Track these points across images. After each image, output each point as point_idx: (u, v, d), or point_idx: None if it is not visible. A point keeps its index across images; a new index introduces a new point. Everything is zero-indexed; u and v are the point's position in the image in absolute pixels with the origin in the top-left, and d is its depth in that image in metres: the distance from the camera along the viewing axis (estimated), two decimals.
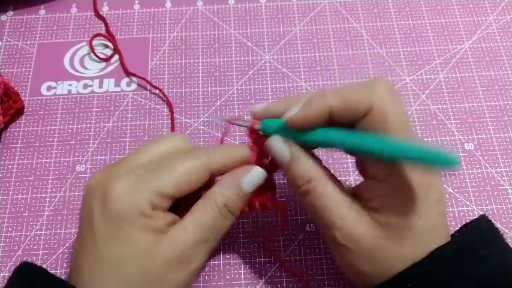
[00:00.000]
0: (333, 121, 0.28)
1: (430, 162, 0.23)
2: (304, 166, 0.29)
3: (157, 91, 0.45)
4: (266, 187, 0.32)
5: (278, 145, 0.29)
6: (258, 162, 0.31)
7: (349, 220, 0.28)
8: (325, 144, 0.29)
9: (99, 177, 0.29)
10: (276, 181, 0.34)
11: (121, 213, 0.27)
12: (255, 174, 0.30)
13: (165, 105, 0.45)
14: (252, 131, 0.32)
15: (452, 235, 0.29)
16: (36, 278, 0.29)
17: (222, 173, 0.31)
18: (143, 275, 0.27)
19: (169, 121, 0.44)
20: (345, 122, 0.28)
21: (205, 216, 0.29)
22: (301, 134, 0.29)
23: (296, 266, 0.37)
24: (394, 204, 0.27)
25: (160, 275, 0.28)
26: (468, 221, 0.32)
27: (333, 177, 0.29)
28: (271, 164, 0.32)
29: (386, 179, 0.27)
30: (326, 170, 0.30)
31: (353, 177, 0.41)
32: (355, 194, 0.29)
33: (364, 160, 0.29)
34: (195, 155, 0.30)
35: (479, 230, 0.29)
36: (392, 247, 0.27)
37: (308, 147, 0.30)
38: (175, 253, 0.28)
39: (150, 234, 0.28)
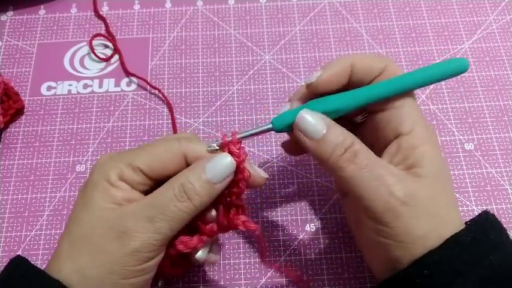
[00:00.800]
0: (350, 82, 0.31)
1: (446, 73, 0.30)
2: (343, 130, 0.29)
3: (157, 91, 0.45)
4: (232, 206, 0.31)
5: (312, 116, 0.29)
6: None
7: (400, 176, 0.28)
8: (354, 105, 0.30)
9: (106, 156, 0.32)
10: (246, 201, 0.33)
11: (93, 178, 0.30)
12: (221, 161, 0.29)
13: (165, 105, 0.45)
14: (225, 145, 0.30)
15: (465, 223, 0.29)
16: (18, 266, 0.29)
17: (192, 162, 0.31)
18: (85, 237, 0.28)
19: (169, 121, 0.44)
20: (361, 80, 0.31)
21: (159, 194, 0.29)
22: (320, 104, 0.30)
23: (296, 266, 0.37)
24: (424, 153, 0.29)
25: (98, 242, 0.28)
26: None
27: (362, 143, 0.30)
28: (238, 181, 0.30)
29: (411, 131, 0.29)
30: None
31: None
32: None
33: (387, 117, 0.30)
34: (168, 139, 0.31)
35: (489, 220, 0.29)
36: (440, 194, 0.28)
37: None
38: (115, 222, 0.28)
39: (107, 202, 0.29)
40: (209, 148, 0.30)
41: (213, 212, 0.31)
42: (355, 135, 0.30)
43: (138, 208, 0.28)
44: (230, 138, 0.30)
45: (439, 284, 0.26)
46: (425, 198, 0.28)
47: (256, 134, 0.31)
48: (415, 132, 0.29)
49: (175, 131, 0.43)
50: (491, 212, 0.30)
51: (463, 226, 0.28)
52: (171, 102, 0.44)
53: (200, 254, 0.32)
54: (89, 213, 0.29)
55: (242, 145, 0.30)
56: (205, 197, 0.29)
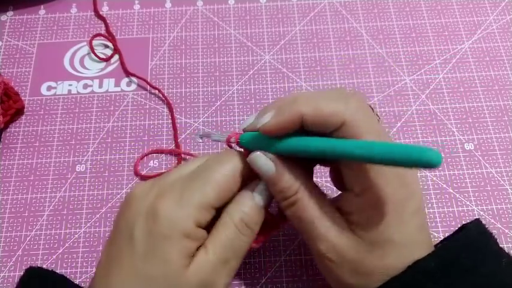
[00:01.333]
0: (306, 129, 0.28)
1: (410, 160, 0.22)
2: (289, 178, 0.28)
3: (157, 91, 0.45)
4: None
5: (261, 160, 0.29)
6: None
7: (332, 232, 0.28)
8: (304, 153, 0.27)
9: (145, 189, 0.29)
10: None
11: (164, 232, 0.27)
12: (262, 185, 0.30)
13: (165, 105, 0.45)
14: (235, 144, 0.31)
15: (436, 245, 0.29)
16: (55, 285, 0.29)
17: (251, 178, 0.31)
18: None
19: (169, 121, 0.44)
20: (316, 131, 0.27)
21: (223, 235, 0.28)
22: (278, 142, 0.28)
23: (296, 266, 0.37)
24: (371, 218, 0.27)
25: None
26: (468, 220, 0.32)
27: (317, 189, 0.29)
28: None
29: (362, 193, 0.27)
30: (311, 180, 0.30)
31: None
32: (337, 206, 0.29)
33: (341, 172, 0.29)
34: (223, 158, 0.30)
35: (466, 239, 0.28)
36: (374, 260, 0.27)
37: (291, 156, 0.29)
38: (198, 278, 0.27)
39: (185, 258, 0.27)
40: (196, 138, 0.30)
41: None
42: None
43: (211, 256, 0.28)
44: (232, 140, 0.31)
45: None
46: (355, 258, 0.27)
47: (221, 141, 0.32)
48: (365, 196, 0.27)
49: (175, 130, 0.43)
50: (480, 222, 0.29)
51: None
52: (171, 102, 0.44)
53: None
54: (168, 273, 0.27)
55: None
56: (261, 221, 0.30)
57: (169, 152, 0.42)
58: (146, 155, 0.42)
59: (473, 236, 0.28)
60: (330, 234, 0.28)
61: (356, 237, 0.28)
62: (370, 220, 0.27)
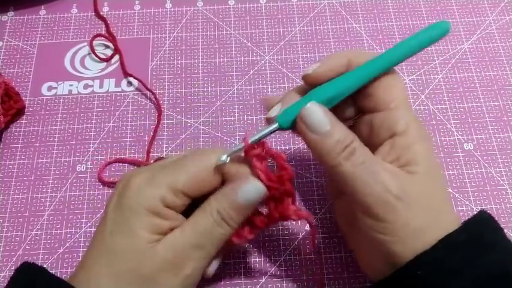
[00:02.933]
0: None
1: (430, 40, 0.31)
2: (345, 127, 0.29)
3: (156, 91, 0.45)
4: (284, 196, 0.31)
5: (318, 110, 0.29)
6: (270, 174, 0.30)
7: (395, 173, 0.28)
8: (343, 93, 0.30)
9: (128, 173, 0.31)
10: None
11: (131, 206, 0.28)
12: (252, 189, 0.29)
13: (165, 106, 0.45)
14: (251, 149, 0.30)
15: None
16: (36, 279, 0.29)
17: (233, 178, 0.30)
18: (134, 271, 0.28)
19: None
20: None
21: (202, 221, 0.29)
22: (321, 94, 0.30)
23: (296, 266, 0.37)
24: (418, 153, 0.29)
25: (151, 276, 0.28)
26: None
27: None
28: (282, 175, 0.31)
29: (407, 129, 0.30)
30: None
31: None
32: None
33: (382, 120, 0.31)
34: (207, 152, 0.30)
35: (485, 220, 0.29)
36: (434, 190, 0.29)
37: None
38: (168, 255, 0.28)
39: (152, 233, 0.28)
40: (219, 162, 0.30)
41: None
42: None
43: (187, 237, 0.29)
44: (257, 137, 0.30)
45: (433, 284, 0.26)
46: (419, 194, 0.28)
47: (266, 135, 0.30)
48: (408, 132, 0.30)
49: (154, 134, 0.43)
50: (488, 212, 0.30)
51: (457, 220, 0.29)
52: (161, 105, 0.44)
53: (211, 269, 0.32)
54: (134, 246, 0.28)
55: (264, 146, 0.31)
56: (240, 219, 0.30)
57: (133, 162, 0.42)
58: (110, 163, 0.42)
59: (489, 218, 0.30)
60: (394, 175, 0.28)
61: (411, 174, 0.29)
62: (418, 154, 0.29)
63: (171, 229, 0.29)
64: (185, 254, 0.29)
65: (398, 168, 0.29)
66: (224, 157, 0.29)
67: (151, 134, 0.43)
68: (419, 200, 0.28)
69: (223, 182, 0.31)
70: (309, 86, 0.31)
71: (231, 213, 0.29)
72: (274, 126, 0.30)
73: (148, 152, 0.42)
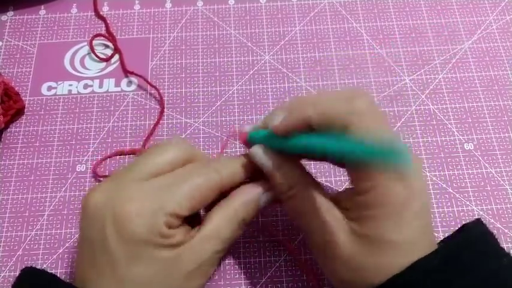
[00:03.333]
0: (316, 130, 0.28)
1: (380, 158, 0.21)
2: (286, 173, 0.30)
3: (156, 92, 0.45)
4: None
5: (259, 155, 0.31)
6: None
7: (327, 227, 0.28)
8: (305, 150, 0.29)
9: (103, 195, 0.28)
10: None
11: (138, 235, 0.27)
12: (270, 194, 0.31)
13: (165, 106, 0.45)
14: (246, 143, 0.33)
15: (439, 243, 0.29)
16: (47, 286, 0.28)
17: (231, 188, 0.32)
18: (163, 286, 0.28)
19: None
20: (325, 132, 0.27)
21: (227, 228, 0.30)
22: (284, 141, 0.30)
23: (296, 266, 0.37)
24: (371, 217, 0.27)
25: (181, 286, 0.28)
26: (468, 220, 0.32)
27: (315, 184, 0.30)
28: None
29: (362, 193, 0.27)
30: (309, 176, 0.31)
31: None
32: (336, 201, 0.29)
33: (348, 169, 0.29)
34: (206, 172, 0.30)
35: (467, 238, 0.28)
36: (370, 258, 0.27)
37: (294, 154, 0.31)
38: (196, 264, 0.29)
39: (169, 250, 0.28)
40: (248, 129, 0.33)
41: None
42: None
43: (212, 247, 0.29)
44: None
45: None
46: (348, 255, 0.27)
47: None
48: (366, 195, 0.27)
49: (153, 130, 0.43)
50: (481, 222, 0.29)
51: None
52: (164, 102, 0.44)
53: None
54: (159, 269, 0.28)
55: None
56: (252, 218, 0.32)
57: (132, 152, 0.42)
58: (109, 157, 0.42)
59: (474, 235, 0.28)
60: (325, 229, 0.28)
61: (351, 233, 0.28)
62: (370, 218, 0.27)
63: (183, 237, 0.29)
64: (211, 261, 0.29)
65: (345, 223, 0.28)
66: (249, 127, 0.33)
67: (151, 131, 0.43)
68: (347, 262, 0.28)
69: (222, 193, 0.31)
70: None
71: (253, 216, 0.31)
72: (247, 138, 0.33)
73: (144, 146, 0.42)
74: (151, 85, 0.45)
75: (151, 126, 0.44)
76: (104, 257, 0.27)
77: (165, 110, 0.44)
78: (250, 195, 0.31)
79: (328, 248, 0.28)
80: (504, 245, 0.38)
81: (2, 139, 0.43)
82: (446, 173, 0.41)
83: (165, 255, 0.28)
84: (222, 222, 0.30)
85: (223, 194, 0.31)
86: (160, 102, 0.44)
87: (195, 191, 0.29)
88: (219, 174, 0.30)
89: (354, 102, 0.27)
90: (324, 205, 0.29)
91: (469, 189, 0.40)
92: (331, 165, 0.41)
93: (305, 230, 0.30)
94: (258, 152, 0.31)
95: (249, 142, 0.33)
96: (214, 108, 0.45)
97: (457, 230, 0.30)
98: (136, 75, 0.46)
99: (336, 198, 0.30)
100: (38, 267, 0.30)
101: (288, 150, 0.30)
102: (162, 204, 0.28)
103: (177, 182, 0.29)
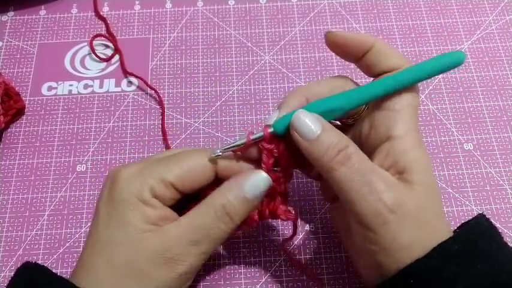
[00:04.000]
0: (359, 63, 0.31)
1: (443, 67, 0.29)
2: (338, 133, 0.28)
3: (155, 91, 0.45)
4: (277, 195, 0.31)
5: (308, 117, 0.28)
6: (270, 172, 0.30)
7: (391, 183, 0.27)
8: (347, 104, 0.30)
9: (117, 167, 0.31)
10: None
11: (122, 197, 0.28)
12: (259, 179, 0.29)
13: (165, 106, 0.45)
14: (269, 140, 0.30)
15: (454, 231, 0.29)
16: (37, 277, 0.29)
17: (228, 175, 0.31)
18: (130, 263, 0.28)
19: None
20: (369, 65, 0.31)
21: (200, 216, 0.29)
22: (316, 107, 0.29)
23: (296, 266, 0.37)
24: (416, 160, 0.28)
25: (145, 268, 0.28)
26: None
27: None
28: (284, 170, 0.31)
29: (406, 134, 0.29)
30: None
31: None
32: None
33: (381, 121, 0.30)
34: (203, 150, 0.31)
35: (480, 226, 0.29)
36: (429, 203, 0.28)
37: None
38: (161, 248, 0.28)
39: (144, 223, 0.28)
40: (213, 155, 0.30)
41: None
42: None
43: (182, 232, 0.28)
44: (259, 135, 0.30)
45: None
46: (414, 207, 0.27)
47: (259, 138, 0.30)
48: (408, 137, 0.29)
49: (164, 132, 0.43)
50: (485, 216, 0.30)
51: (449, 234, 0.28)
52: (164, 103, 0.44)
53: None
54: (128, 237, 0.28)
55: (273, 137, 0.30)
56: (245, 214, 0.30)
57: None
58: None
59: (485, 224, 0.29)
60: (390, 185, 0.27)
61: (409, 184, 0.28)
62: (416, 161, 0.28)
63: (161, 219, 0.29)
64: (180, 249, 0.28)
65: (395, 178, 0.28)
66: (218, 151, 0.30)
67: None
68: (412, 215, 0.27)
69: (216, 180, 0.31)
70: (330, 45, 0.32)
71: (237, 207, 0.29)
72: (270, 131, 0.30)
73: (168, 148, 0.43)
74: (150, 87, 0.45)
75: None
76: (93, 219, 0.30)
77: (165, 110, 0.44)
78: (231, 181, 0.30)
79: (397, 205, 0.27)
80: None
81: (2, 139, 0.43)
82: (446, 173, 0.41)
83: (137, 226, 0.28)
84: (198, 209, 0.29)
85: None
86: (160, 102, 0.44)
87: (187, 163, 0.30)
88: (206, 152, 0.30)
89: (404, 57, 0.32)
90: (375, 166, 0.28)
91: (469, 189, 0.40)
92: None
93: (368, 193, 0.27)
94: (305, 115, 0.28)
95: (275, 133, 0.30)
96: (214, 108, 0.45)
97: (459, 227, 0.31)
98: (135, 76, 0.46)
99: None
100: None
101: (336, 106, 0.29)
102: (153, 170, 0.29)
103: (172, 156, 0.30)
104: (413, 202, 0.27)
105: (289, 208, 0.32)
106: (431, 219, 0.28)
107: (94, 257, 0.28)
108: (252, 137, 0.30)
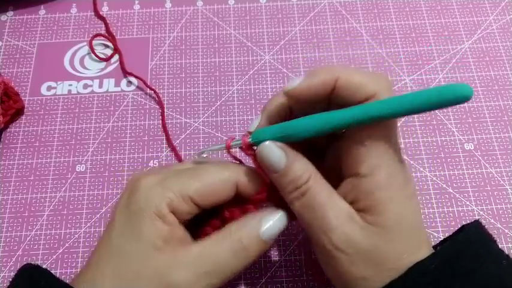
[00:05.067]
0: (331, 101, 0.28)
1: (444, 100, 0.23)
2: (301, 166, 0.28)
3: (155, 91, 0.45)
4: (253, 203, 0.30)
5: (273, 149, 0.28)
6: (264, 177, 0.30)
7: (344, 221, 0.27)
8: (328, 126, 0.27)
9: (138, 174, 0.30)
10: None
11: (139, 207, 0.28)
12: (278, 223, 0.29)
13: (165, 106, 0.45)
14: (247, 148, 0.30)
15: (434, 246, 0.29)
16: (39, 280, 0.28)
17: (245, 194, 0.30)
18: (137, 278, 0.27)
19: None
20: (342, 102, 0.27)
21: (213, 246, 0.28)
22: (294, 125, 0.28)
23: (296, 267, 0.37)
24: (380, 201, 0.26)
25: (149, 286, 0.27)
26: (468, 221, 0.32)
27: (323, 179, 0.29)
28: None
29: (370, 174, 0.27)
30: (318, 171, 0.29)
31: None
32: (342, 195, 0.28)
33: (346, 154, 0.28)
34: (225, 166, 0.30)
35: (466, 241, 0.27)
36: (387, 246, 0.26)
37: (298, 145, 0.29)
38: (164, 269, 0.27)
39: (157, 238, 0.27)
40: (198, 157, 0.30)
41: None
42: (319, 158, 0.29)
43: (192, 259, 0.27)
44: (238, 142, 0.30)
45: None
46: (367, 246, 0.26)
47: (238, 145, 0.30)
48: (374, 176, 0.27)
49: (166, 133, 0.43)
50: (480, 224, 0.29)
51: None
52: (163, 103, 0.44)
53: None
54: (139, 250, 0.27)
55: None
56: (259, 253, 0.29)
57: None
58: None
59: (472, 238, 0.28)
60: (342, 223, 0.27)
61: (367, 224, 0.27)
62: (379, 203, 0.26)
63: (173, 239, 0.28)
64: (185, 277, 0.27)
65: (355, 213, 0.27)
66: (204, 155, 0.30)
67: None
68: (365, 253, 0.26)
69: (236, 197, 0.30)
70: (292, 103, 0.29)
71: (253, 244, 0.28)
72: (248, 140, 0.29)
73: (174, 150, 0.42)
74: (150, 88, 0.45)
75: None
76: (109, 225, 0.29)
77: (165, 110, 0.44)
78: (251, 217, 0.29)
79: (346, 243, 0.26)
80: (504, 245, 0.38)
81: (2, 139, 0.43)
82: (447, 173, 0.41)
83: (150, 238, 0.27)
84: (215, 240, 0.28)
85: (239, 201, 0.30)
86: (159, 103, 0.44)
87: (208, 177, 0.29)
88: (228, 169, 0.29)
89: (379, 78, 0.27)
90: (337, 198, 0.28)
91: (469, 189, 0.40)
92: None
93: (319, 227, 0.27)
94: (269, 146, 0.28)
95: (253, 145, 0.30)
96: (214, 108, 0.45)
97: (456, 231, 0.30)
98: (135, 76, 0.45)
99: (341, 192, 0.28)
100: None
101: (300, 133, 0.27)
102: (174, 183, 0.28)
103: (194, 169, 0.30)
104: (367, 241, 0.26)
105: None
106: (388, 259, 0.26)
107: (101, 264, 0.28)
108: (231, 143, 0.30)
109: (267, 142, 0.28)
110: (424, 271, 0.26)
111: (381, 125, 0.27)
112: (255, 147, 0.29)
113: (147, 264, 0.27)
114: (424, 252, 0.27)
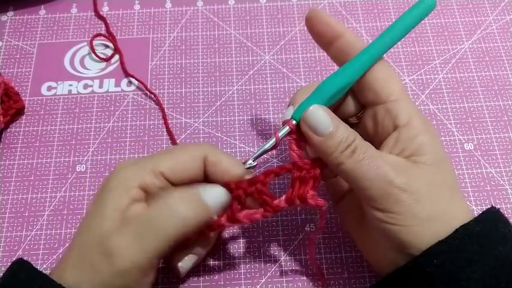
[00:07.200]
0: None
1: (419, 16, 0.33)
2: (347, 127, 0.30)
3: (156, 91, 0.45)
4: (310, 179, 0.31)
5: (320, 113, 0.30)
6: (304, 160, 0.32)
7: (400, 165, 0.29)
8: (348, 84, 0.31)
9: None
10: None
11: (111, 185, 0.30)
12: (216, 193, 0.31)
13: (165, 106, 0.45)
14: (294, 131, 0.31)
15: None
16: (20, 270, 0.29)
17: (215, 172, 0.31)
18: (90, 248, 0.28)
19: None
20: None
21: (151, 209, 0.29)
22: (329, 85, 0.31)
23: (296, 267, 0.37)
24: (423, 143, 0.30)
25: (96, 259, 0.28)
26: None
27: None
28: (317, 160, 0.32)
29: (409, 121, 0.30)
30: None
31: None
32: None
33: (386, 112, 0.31)
34: (195, 145, 0.33)
35: (497, 213, 0.30)
36: (441, 181, 0.29)
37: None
38: (104, 237, 0.28)
39: (114, 211, 0.29)
40: (248, 165, 0.32)
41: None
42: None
43: (130, 222, 0.28)
44: (286, 130, 0.31)
45: (449, 273, 0.27)
46: (426, 184, 0.28)
47: (283, 136, 0.32)
48: (411, 123, 0.30)
49: (170, 134, 0.43)
50: (497, 208, 0.30)
51: (467, 210, 0.30)
52: (163, 106, 0.44)
53: (183, 265, 0.32)
54: (98, 224, 0.28)
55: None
56: (197, 219, 0.29)
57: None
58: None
59: (500, 213, 0.30)
60: (399, 167, 0.29)
61: (417, 164, 0.29)
62: (424, 144, 0.29)
63: (130, 210, 0.29)
64: (118, 242, 0.27)
65: (404, 159, 0.29)
66: (251, 161, 0.32)
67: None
68: (426, 190, 0.28)
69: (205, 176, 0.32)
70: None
71: (193, 207, 0.29)
72: (294, 123, 0.31)
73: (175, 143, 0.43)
74: (150, 91, 0.45)
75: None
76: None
77: (165, 110, 0.44)
78: (193, 185, 0.31)
79: (407, 184, 0.28)
80: None
81: (2, 139, 0.43)
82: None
83: (108, 211, 0.28)
84: (151, 203, 0.29)
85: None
86: (159, 105, 0.44)
87: (179, 156, 0.31)
88: (199, 146, 0.32)
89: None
90: (381, 153, 0.30)
91: (469, 189, 0.40)
92: None
93: (373, 178, 0.28)
94: (316, 111, 0.30)
95: (298, 123, 0.31)
96: (214, 108, 0.45)
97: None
98: (135, 79, 0.45)
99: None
100: (38, 267, 0.30)
101: (334, 87, 0.31)
102: (147, 161, 0.31)
103: (169, 150, 0.32)
104: (423, 179, 0.28)
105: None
106: (444, 193, 0.29)
107: (70, 247, 0.30)
108: (279, 134, 0.31)
109: (312, 107, 0.30)
110: (470, 233, 0.27)
111: (392, 80, 0.32)
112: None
113: (97, 234, 0.28)
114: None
